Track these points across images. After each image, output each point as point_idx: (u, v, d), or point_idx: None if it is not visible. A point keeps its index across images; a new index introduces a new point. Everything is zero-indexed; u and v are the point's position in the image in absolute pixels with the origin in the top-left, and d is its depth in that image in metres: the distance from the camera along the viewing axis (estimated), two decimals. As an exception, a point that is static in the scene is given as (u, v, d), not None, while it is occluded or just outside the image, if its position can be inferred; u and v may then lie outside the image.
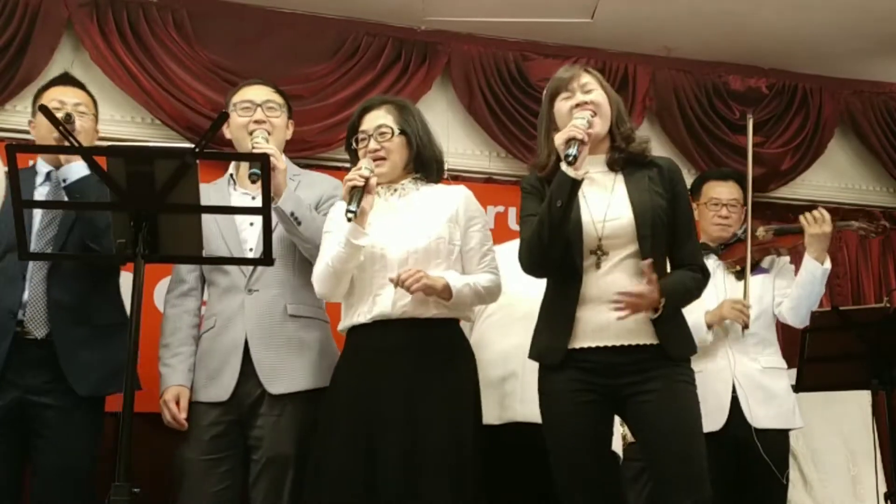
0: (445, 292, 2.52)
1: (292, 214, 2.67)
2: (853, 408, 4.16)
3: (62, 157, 2.71)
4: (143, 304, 2.07)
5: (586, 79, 2.53)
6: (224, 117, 2.08)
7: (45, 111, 2.18)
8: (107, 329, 2.75)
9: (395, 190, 2.70)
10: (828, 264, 3.37)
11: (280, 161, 2.69)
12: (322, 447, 2.56)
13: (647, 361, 2.41)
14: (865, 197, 4.93)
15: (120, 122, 3.93)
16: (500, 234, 4.16)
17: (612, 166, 2.53)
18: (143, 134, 3.94)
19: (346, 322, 2.66)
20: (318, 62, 4.14)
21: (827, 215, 3.36)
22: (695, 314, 2.95)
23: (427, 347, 2.56)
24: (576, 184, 2.37)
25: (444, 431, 2.48)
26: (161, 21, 3.93)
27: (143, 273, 2.07)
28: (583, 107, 2.47)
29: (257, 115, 2.86)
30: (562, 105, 2.52)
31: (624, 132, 2.53)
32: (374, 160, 2.64)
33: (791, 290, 3.42)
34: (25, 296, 2.68)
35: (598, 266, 2.44)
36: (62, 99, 2.84)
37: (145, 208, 2.06)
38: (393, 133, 2.67)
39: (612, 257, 2.43)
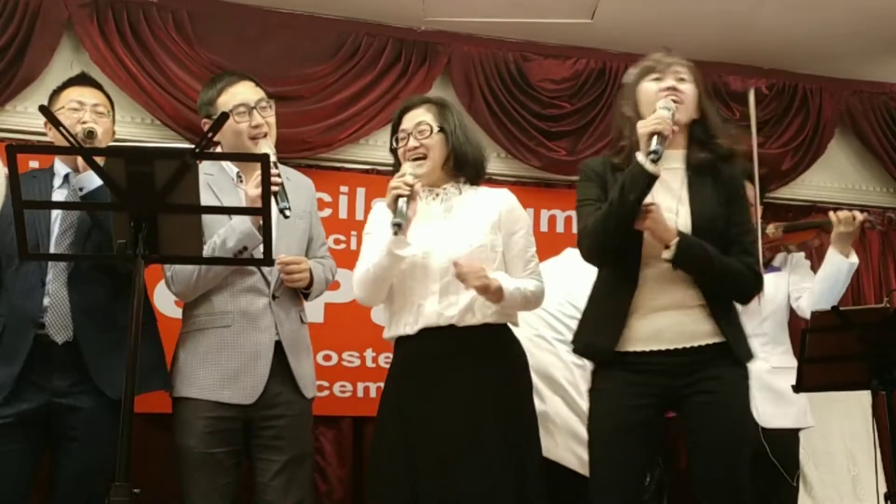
0: (498, 293, 2.50)
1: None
2: (853, 408, 4.16)
3: (80, 163, 2.71)
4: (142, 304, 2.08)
5: (683, 70, 2.48)
6: (224, 118, 2.07)
7: (45, 112, 2.18)
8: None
9: (438, 195, 2.68)
10: (854, 258, 3.36)
11: (298, 275, 2.75)
12: (374, 457, 2.60)
13: (705, 362, 2.37)
14: (865, 197, 4.93)
15: (120, 122, 3.88)
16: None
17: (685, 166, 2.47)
18: (143, 134, 3.93)
19: (392, 332, 2.64)
20: (318, 62, 4.14)
21: (860, 217, 3.37)
22: None
23: (479, 353, 2.54)
24: (652, 180, 2.33)
25: (501, 440, 2.47)
26: (161, 21, 3.92)
27: (143, 273, 2.07)
28: (671, 92, 2.41)
29: (255, 118, 2.81)
30: (650, 85, 2.46)
31: (702, 136, 2.47)
32: (415, 159, 2.64)
33: (813, 285, 3.41)
34: (46, 301, 2.67)
35: (656, 268, 2.39)
36: (80, 100, 2.83)
37: (145, 209, 2.06)
38: (432, 130, 2.66)
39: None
